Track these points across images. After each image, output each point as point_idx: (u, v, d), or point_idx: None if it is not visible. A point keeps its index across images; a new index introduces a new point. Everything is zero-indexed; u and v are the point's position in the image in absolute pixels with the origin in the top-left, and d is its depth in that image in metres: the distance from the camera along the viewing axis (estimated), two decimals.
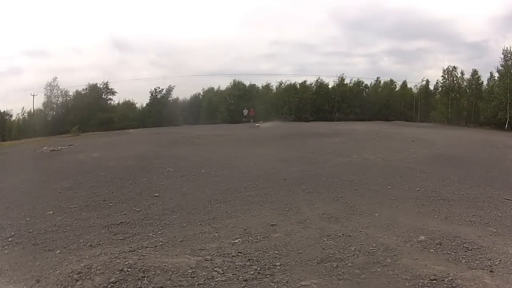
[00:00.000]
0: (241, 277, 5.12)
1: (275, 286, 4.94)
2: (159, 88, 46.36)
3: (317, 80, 47.15)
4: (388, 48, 58.50)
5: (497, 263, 5.58)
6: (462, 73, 41.08)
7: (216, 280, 5.01)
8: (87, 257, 5.99)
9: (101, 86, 45.72)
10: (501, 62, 36.74)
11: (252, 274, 5.23)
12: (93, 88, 45.51)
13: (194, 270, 5.21)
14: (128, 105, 48.10)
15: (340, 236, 6.67)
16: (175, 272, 5.14)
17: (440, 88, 42.84)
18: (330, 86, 47.15)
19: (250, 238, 6.80)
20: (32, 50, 59.35)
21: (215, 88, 48.57)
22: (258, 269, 5.39)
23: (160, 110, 45.26)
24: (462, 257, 5.82)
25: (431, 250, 6.10)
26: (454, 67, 41.45)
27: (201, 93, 48.08)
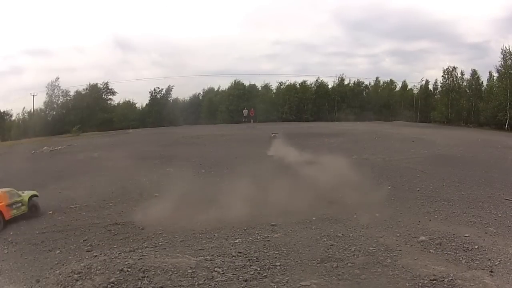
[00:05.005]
0: (241, 277, 5.13)
1: (275, 286, 4.94)
2: (159, 88, 46.24)
3: (317, 80, 47.09)
4: (390, 48, 58.14)
5: (497, 263, 5.59)
6: (462, 73, 40.97)
7: (216, 280, 5.02)
8: (87, 257, 6.00)
9: (101, 86, 45.59)
10: (500, 62, 36.63)
11: (252, 274, 5.23)
12: (93, 88, 45.30)
13: (194, 270, 5.22)
14: (128, 105, 47.87)
15: (340, 236, 6.68)
16: (175, 272, 5.15)
17: (440, 88, 42.72)
18: (330, 86, 47.05)
19: (250, 238, 6.81)
20: (34, 49, 59.11)
21: (215, 88, 48.47)
22: (258, 269, 5.39)
23: (160, 110, 45.07)
24: (462, 257, 5.83)
25: (431, 250, 6.11)
26: (454, 67, 41.27)
27: (201, 93, 48.01)
